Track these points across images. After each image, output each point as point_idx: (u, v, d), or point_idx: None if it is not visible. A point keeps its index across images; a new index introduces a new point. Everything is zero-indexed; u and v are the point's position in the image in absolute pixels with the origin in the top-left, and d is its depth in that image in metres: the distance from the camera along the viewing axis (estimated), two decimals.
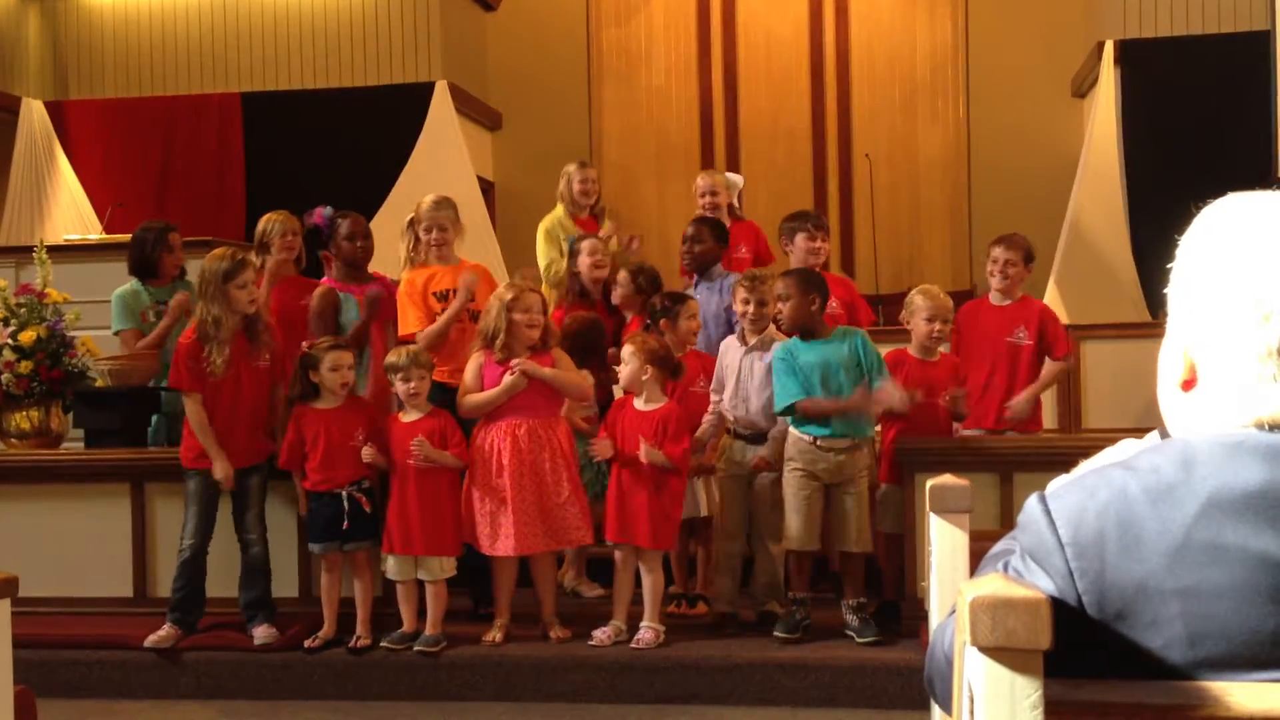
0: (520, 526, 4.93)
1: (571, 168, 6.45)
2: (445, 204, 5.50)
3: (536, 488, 4.96)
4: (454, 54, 10.24)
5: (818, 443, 4.88)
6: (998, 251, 5.52)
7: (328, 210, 5.78)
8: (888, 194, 10.45)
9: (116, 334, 6.02)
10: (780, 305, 4.94)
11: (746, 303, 5.12)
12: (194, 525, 5.06)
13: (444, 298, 5.40)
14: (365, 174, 9.12)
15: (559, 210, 6.44)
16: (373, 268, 5.78)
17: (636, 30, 11.13)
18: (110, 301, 6.05)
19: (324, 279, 5.76)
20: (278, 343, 5.26)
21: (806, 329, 4.93)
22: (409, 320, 5.43)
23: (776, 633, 4.88)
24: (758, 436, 5.13)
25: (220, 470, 4.97)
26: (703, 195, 6.46)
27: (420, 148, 9.42)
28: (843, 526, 4.89)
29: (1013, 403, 5.34)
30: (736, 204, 6.61)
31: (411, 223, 5.51)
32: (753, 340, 5.15)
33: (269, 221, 5.94)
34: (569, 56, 11.07)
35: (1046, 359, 5.49)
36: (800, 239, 5.62)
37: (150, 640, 5.02)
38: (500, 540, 4.96)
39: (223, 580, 5.18)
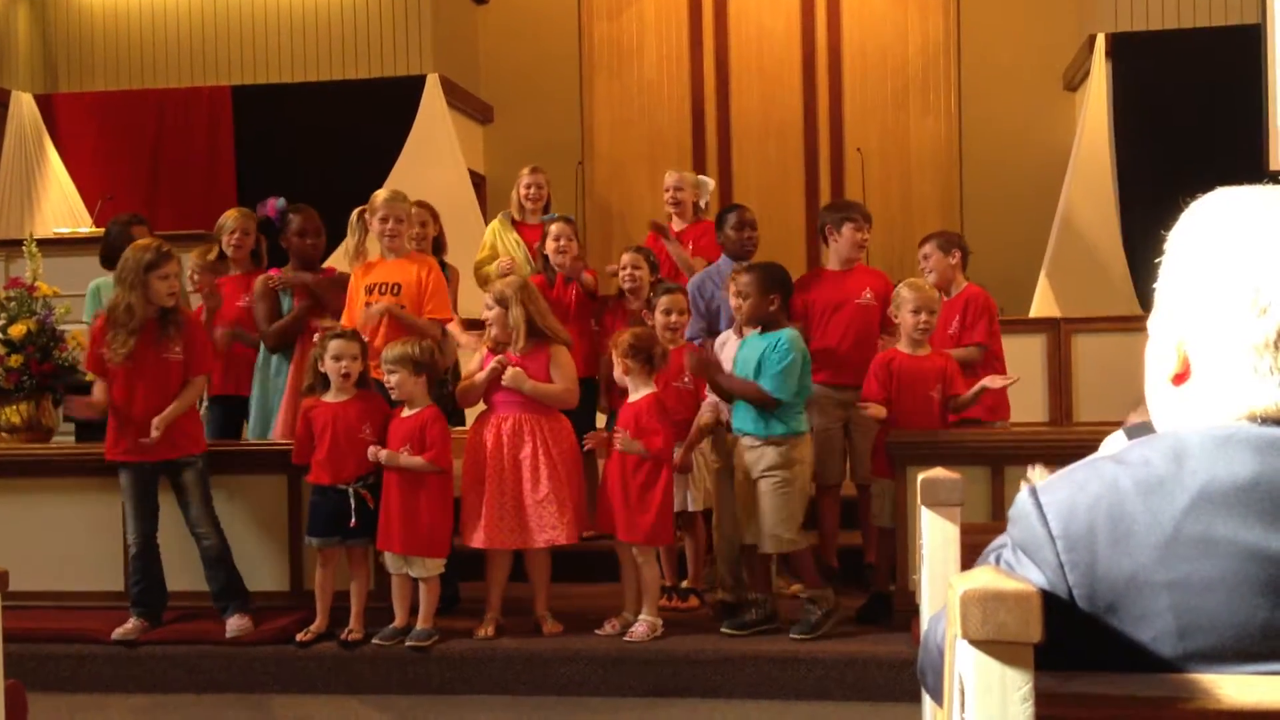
0: (491, 520, 4.95)
1: (524, 171, 6.44)
2: (402, 198, 5.49)
3: (515, 483, 4.97)
4: (445, 47, 10.22)
5: (741, 439, 4.95)
6: (921, 253, 5.72)
7: (280, 202, 5.78)
8: (879, 188, 10.45)
9: (87, 324, 6.03)
10: (741, 301, 4.96)
11: (738, 295, 5.16)
12: (132, 519, 5.06)
13: (371, 290, 5.37)
14: (356, 167, 9.09)
15: (496, 221, 6.43)
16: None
17: (628, 24, 11.12)
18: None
19: (273, 269, 5.81)
20: (195, 340, 5.18)
21: (763, 323, 4.97)
22: (346, 315, 5.46)
23: (722, 629, 4.92)
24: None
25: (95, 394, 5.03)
26: (666, 190, 6.53)
27: (412, 141, 9.40)
28: (749, 521, 4.92)
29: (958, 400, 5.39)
30: (703, 205, 6.60)
31: (361, 215, 5.47)
32: (748, 334, 5.17)
33: (224, 217, 5.97)
34: (561, 50, 11.06)
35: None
36: (848, 229, 5.54)
37: (117, 633, 5.03)
38: (476, 533, 4.98)
39: (201, 572, 5.17)
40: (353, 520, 4.94)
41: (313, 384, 5.08)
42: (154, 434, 4.90)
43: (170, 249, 5.09)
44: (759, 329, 4.99)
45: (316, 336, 5.22)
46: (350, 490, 4.96)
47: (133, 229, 6.04)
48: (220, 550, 5.10)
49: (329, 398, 5.04)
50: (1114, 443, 1.57)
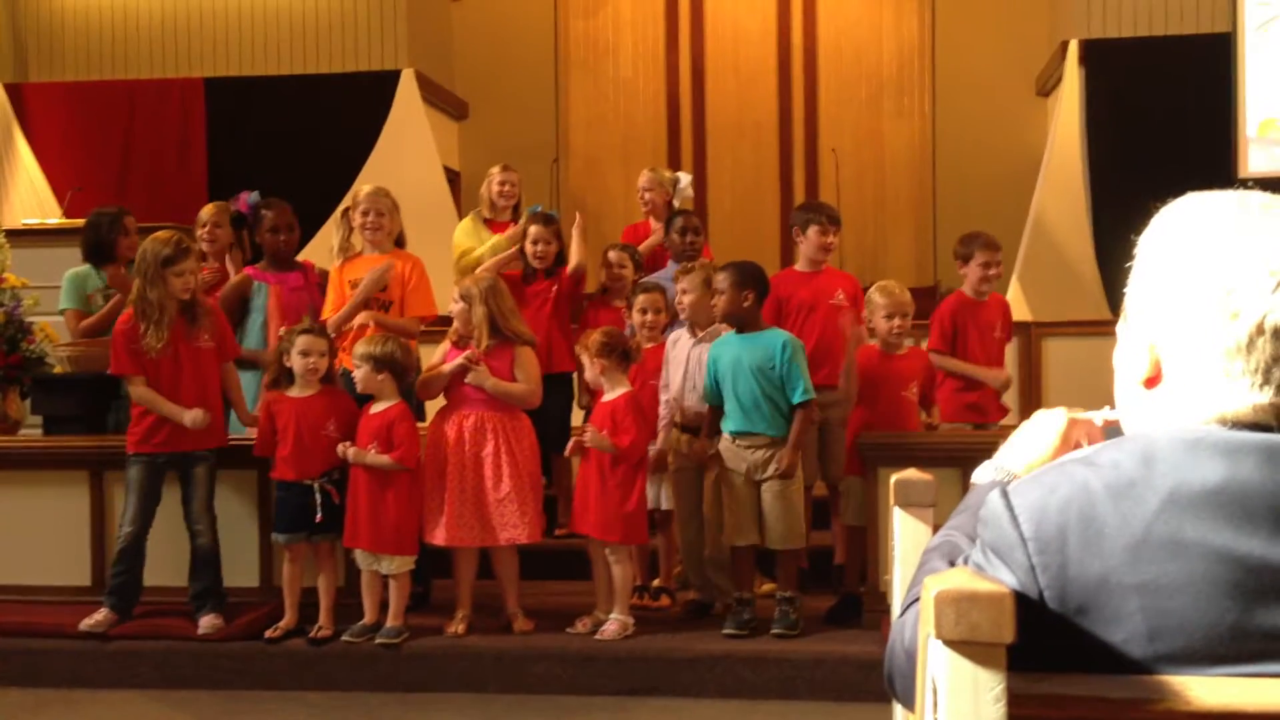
0: (453, 519, 4.94)
1: (494, 169, 6.42)
2: (384, 193, 5.49)
3: (476, 481, 4.96)
4: (420, 42, 10.18)
5: (736, 441, 4.94)
6: (988, 255, 5.61)
7: (253, 196, 5.75)
8: (853, 189, 10.49)
9: (61, 313, 5.97)
10: (717, 298, 4.99)
11: (684, 293, 5.20)
12: (134, 512, 5.01)
13: (356, 285, 5.35)
14: (329, 162, 9.06)
15: (468, 219, 6.39)
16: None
17: (604, 22, 11.11)
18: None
19: (247, 267, 5.82)
20: (224, 326, 5.23)
21: (739, 322, 4.98)
22: (327, 306, 5.46)
23: (725, 630, 4.91)
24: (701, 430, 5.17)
25: (191, 418, 4.92)
26: (639, 191, 6.57)
27: (385, 136, 9.36)
28: (765, 524, 4.93)
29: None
30: (678, 204, 6.61)
31: (346, 213, 5.47)
32: (701, 333, 5.19)
33: (201, 211, 5.97)
34: (536, 47, 11.04)
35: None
36: (813, 231, 5.57)
37: (85, 624, 4.98)
38: (438, 530, 4.97)
39: (175, 568, 5.15)
40: (317, 516, 4.93)
41: (277, 377, 5.06)
42: (249, 428, 5.22)
43: (189, 244, 5.11)
44: (736, 329, 5.00)
45: (283, 330, 5.20)
46: (315, 486, 4.94)
47: (124, 220, 6.02)
48: (213, 549, 5.08)
49: (293, 392, 5.02)
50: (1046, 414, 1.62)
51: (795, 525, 4.93)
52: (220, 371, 5.18)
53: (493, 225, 6.33)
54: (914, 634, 1.35)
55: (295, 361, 4.98)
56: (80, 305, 5.93)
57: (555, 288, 5.87)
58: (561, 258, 5.92)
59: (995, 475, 1.58)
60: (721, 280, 4.97)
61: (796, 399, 4.88)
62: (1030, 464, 1.54)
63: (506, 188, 6.33)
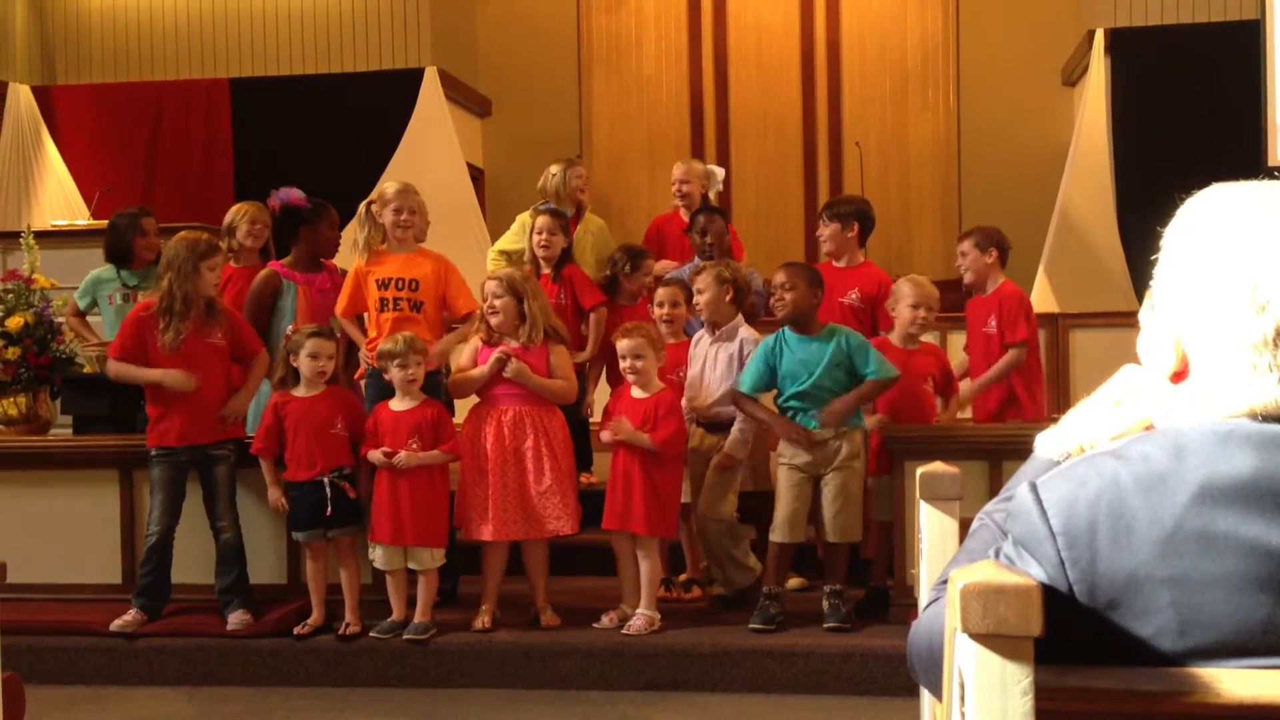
0: (498, 513, 4.95)
1: (557, 167, 6.38)
2: (415, 191, 5.45)
3: (518, 475, 4.97)
4: (444, 40, 10.21)
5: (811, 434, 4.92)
6: (959, 249, 5.68)
7: (299, 193, 5.75)
8: (878, 183, 10.45)
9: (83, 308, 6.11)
10: (784, 294, 4.95)
11: (699, 292, 5.22)
12: (160, 511, 5.06)
13: (386, 285, 5.28)
14: (354, 160, 9.10)
15: (528, 215, 6.35)
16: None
17: (627, 18, 11.11)
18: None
19: (271, 261, 5.78)
20: (238, 324, 5.25)
21: (801, 322, 4.96)
22: (341, 300, 5.40)
23: (751, 625, 4.91)
24: (718, 425, 5.16)
25: (172, 378, 4.97)
26: (673, 182, 6.54)
27: (410, 134, 9.40)
28: (822, 517, 4.93)
29: (960, 395, 5.37)
30: (712, 197, 6.59)
31: (369, 208, 5.38)
32: (719, 331, 5.19)
33: (237, 211, 5.96)
34: (559, 44, 11.05)
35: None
36: (820, 226, 5.71)
37: (115, 624, 5.03)
38: (484, 526, 4.99)
39: (201, 566, 5.18)
40: (328, 509, 4.96)
41: (284, 377, 5.09)
42: (232, 419, 5.15)
43: (216, 240, 5.21)
44: (797, 326, 4.96)
45: (290, 329, 5.22)
46: (326, 481, 4.97)
47: (142, 221, 6.07)
48: (237, 545, 5.13)
49: (300, 392, 5.05)
50: (1125, 377, 1.50)
51: (855, 518, 4.93)
52: (227, 368, 5.18)
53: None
54: (944, 625, 1.35)
55: (304, 363, 5.01)
56: (87, 305, 6.08)
57: (563, 293, 5.84)
58: (566, 255, 5.88)
59: (1067, 448, 1.47)
60: (790, 278, 4.93)
61: (872, 375, 4.84)
62: (1117, 435, 1.41)
63: (583, 181, 6.36)
